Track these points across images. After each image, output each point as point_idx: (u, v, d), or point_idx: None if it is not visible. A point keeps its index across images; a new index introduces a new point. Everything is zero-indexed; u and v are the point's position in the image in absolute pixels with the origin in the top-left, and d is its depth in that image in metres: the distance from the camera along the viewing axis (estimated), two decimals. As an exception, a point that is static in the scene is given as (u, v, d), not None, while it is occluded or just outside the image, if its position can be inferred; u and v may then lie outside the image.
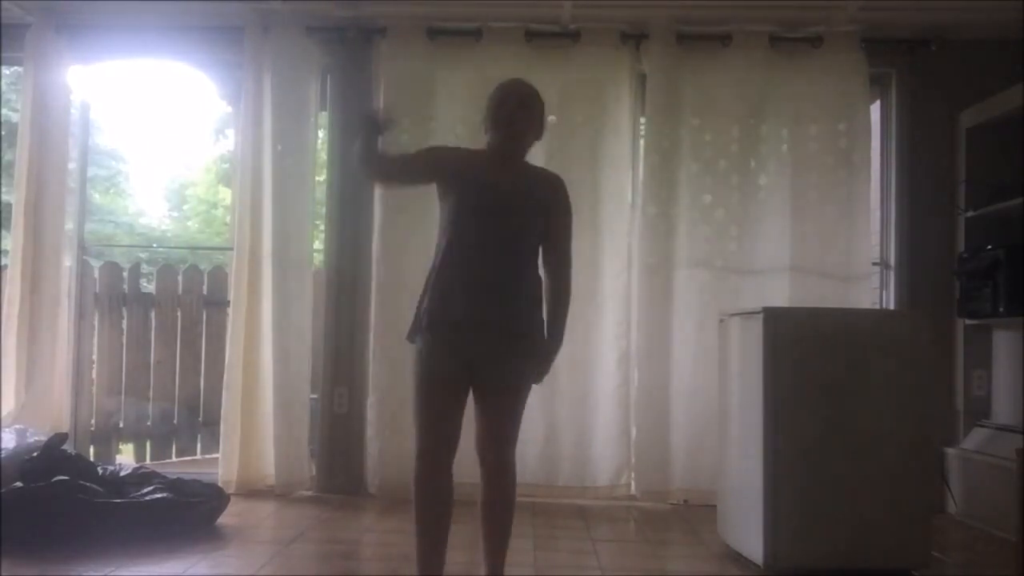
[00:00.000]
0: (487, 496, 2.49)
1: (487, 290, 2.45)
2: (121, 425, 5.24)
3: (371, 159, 2.59)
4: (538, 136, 2.62)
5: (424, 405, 2.47)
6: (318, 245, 4.82)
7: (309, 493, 4.40)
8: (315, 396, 4.50)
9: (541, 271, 2.57)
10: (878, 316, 4.04)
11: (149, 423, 5.31)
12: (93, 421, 5.04)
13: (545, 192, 2.56)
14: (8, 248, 4.53)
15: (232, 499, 3.87)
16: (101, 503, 3.37)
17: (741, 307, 3.56)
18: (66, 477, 3.39)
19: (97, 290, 5.10)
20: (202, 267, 5.63)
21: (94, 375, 5.07)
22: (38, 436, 3.83)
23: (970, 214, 4.29)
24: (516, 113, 2.53)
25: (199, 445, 5.37)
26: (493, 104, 2.55)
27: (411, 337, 2.55)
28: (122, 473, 3.70)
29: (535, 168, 2.66)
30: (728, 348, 3.47)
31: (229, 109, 6.88)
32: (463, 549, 2.29)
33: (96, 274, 5.15)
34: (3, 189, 7.90)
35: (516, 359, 2.48)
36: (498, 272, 2.46)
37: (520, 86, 2.60)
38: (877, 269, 4.56)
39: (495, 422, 2.47)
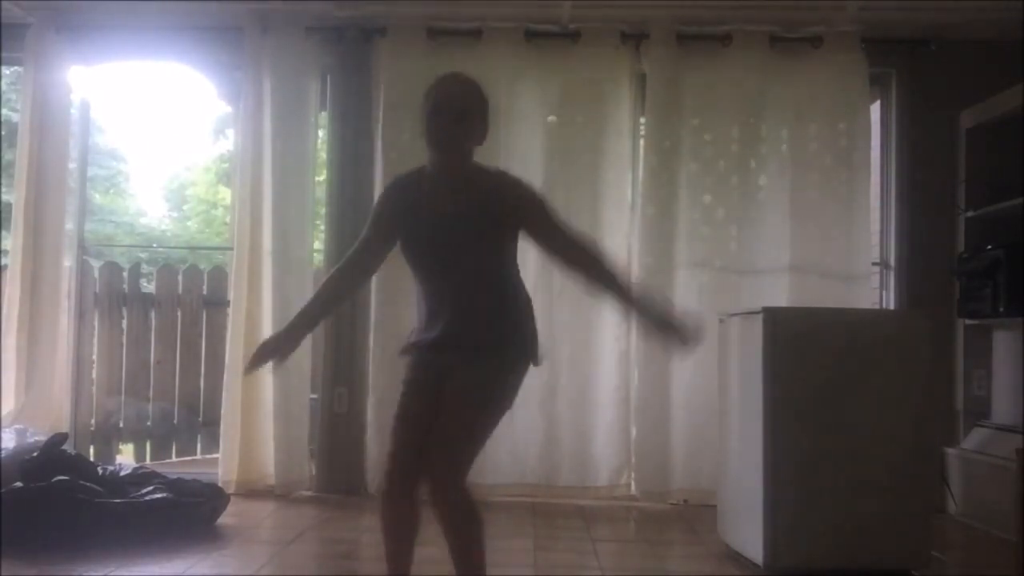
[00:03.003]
0: (444, 533, 2.26)
1: (449, 315, 2.26)
2: (121, 425, 5.22)
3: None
4: (481, 140, 2.33)
5: (394, 416, 2.39)
6: (318, 245, 4.82)
7: (309, 493, 4.39)
8: (315, 396, 4.50)
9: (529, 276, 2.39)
10: (878, 316, 4.04)
11: (149, 423, 5.30)
12: (93, 421, 5.04)
13: (493, 199, 2.26)
14: (8, 248, 4.53)
15: (232, 499, 3.88)
16: (101, 503, 3.37)
17: (741, 307, 3.56)
18: (66, 477, 3.39)
19: (97, 290, 5.08)
20: (202, 267, 5.63)
21: (94, 375, 5.06)
22: (38, 436, 3.83)
23: (970, 214, 4.28)
24: (451, 129, 2.24)
25: (199, 445, 5.36)
26: (426, 115, 2.27)
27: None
28: (122, 473, 3.70)
29: (479, 173, 2.32)
30: (728, 348, 3.47)
31: (229, 109, 6.87)
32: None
33: (96, 274, 5.14)
34: (3, 189, 7.88)
35: (479, 371, 2.24)
36: (457, 293, 2.27)
37: (453, 93, 2.32)
38: (877, 269, 4.55)
39: (442, 433, 2.22)
